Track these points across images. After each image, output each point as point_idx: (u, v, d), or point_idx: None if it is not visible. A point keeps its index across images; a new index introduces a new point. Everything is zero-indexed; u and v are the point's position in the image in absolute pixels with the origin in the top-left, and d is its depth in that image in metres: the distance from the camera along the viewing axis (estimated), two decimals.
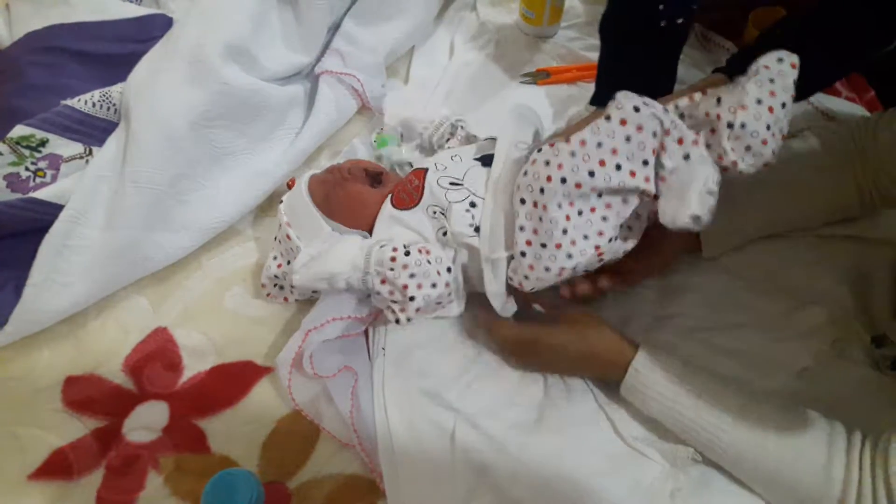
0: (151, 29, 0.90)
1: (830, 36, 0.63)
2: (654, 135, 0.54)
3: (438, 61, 1.02)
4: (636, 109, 0.54)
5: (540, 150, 0.58)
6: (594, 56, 0.99)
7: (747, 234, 0.72)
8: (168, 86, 0.77)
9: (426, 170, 0.69)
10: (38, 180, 0.75)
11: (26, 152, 0.75)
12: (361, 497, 0.63)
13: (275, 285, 0.74)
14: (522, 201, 0.59)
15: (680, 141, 0.54)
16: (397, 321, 0.64)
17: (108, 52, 0.87)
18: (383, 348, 0.70)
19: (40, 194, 0.72)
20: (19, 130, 0.75)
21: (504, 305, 0.65)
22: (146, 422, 0.67)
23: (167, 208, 0.74)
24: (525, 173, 0.59)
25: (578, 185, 0.55)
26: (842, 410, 0.57)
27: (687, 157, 0.54)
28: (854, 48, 0.64)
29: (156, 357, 0.71)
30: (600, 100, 0.79)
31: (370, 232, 0.71)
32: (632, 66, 0.76)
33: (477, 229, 0.64)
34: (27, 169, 0.75)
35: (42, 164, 0.76)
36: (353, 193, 0.71)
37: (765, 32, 0.69)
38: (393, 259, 0.62)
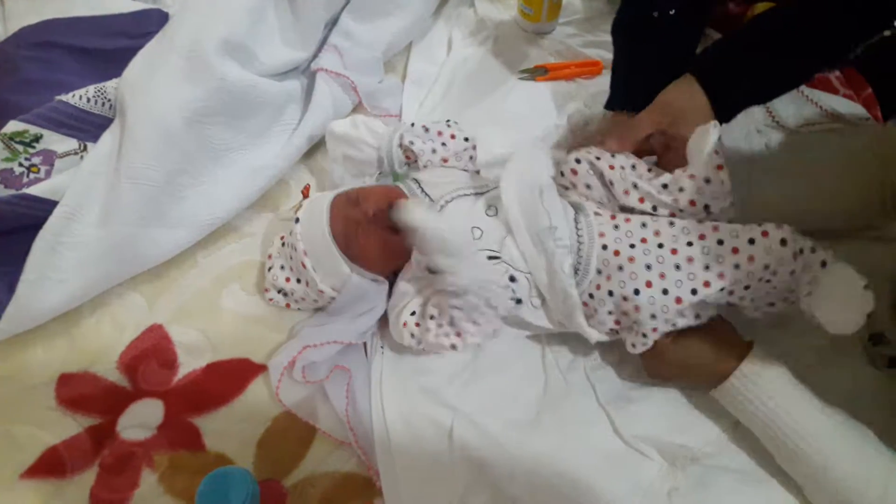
0: (147, 24, 0.90)
1: (810, 30, 0.62)
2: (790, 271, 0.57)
3: (436, 57, 1.02)
4: (784, 243, 0.56)
5: (616, 225, 0.63)
6: (592, 52, 1.00)
7: None
8: (164, 81, 0.77)
9: None
10: (31, 176, 0.74)
11: (20, 148, 0.74)
12: (358, 495, 0.62)
13: (279, 292, 0.72)
14: (598, 272, 0.62)
15: (812, 250, 0.57)
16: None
17: (103, 48, 0.87)
18: (381, 347, 0.70)
19: (34, 190, 0.71)
20: (13, 126, 0.74)
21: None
22: (141, 419, 0.66)
23: (163, 204, 0.74)
24: (604, 248, 0.62)
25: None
26: (839, 407, 0.57)
27: (823, 263, 0.55)
28: (834, 42, 0.63)
29: (151, 354, 0.70)
30: (614, 104, 0.79)
31: (394, 276, 0.70)
32: (638, 65, 0.76)
33: (518, 301, 0.65)
34: (21, 165, 0.74)
35: (36, 160, 0.75)
36: (376, 241, 0.67)
37: (744, 27, 0.69)
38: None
